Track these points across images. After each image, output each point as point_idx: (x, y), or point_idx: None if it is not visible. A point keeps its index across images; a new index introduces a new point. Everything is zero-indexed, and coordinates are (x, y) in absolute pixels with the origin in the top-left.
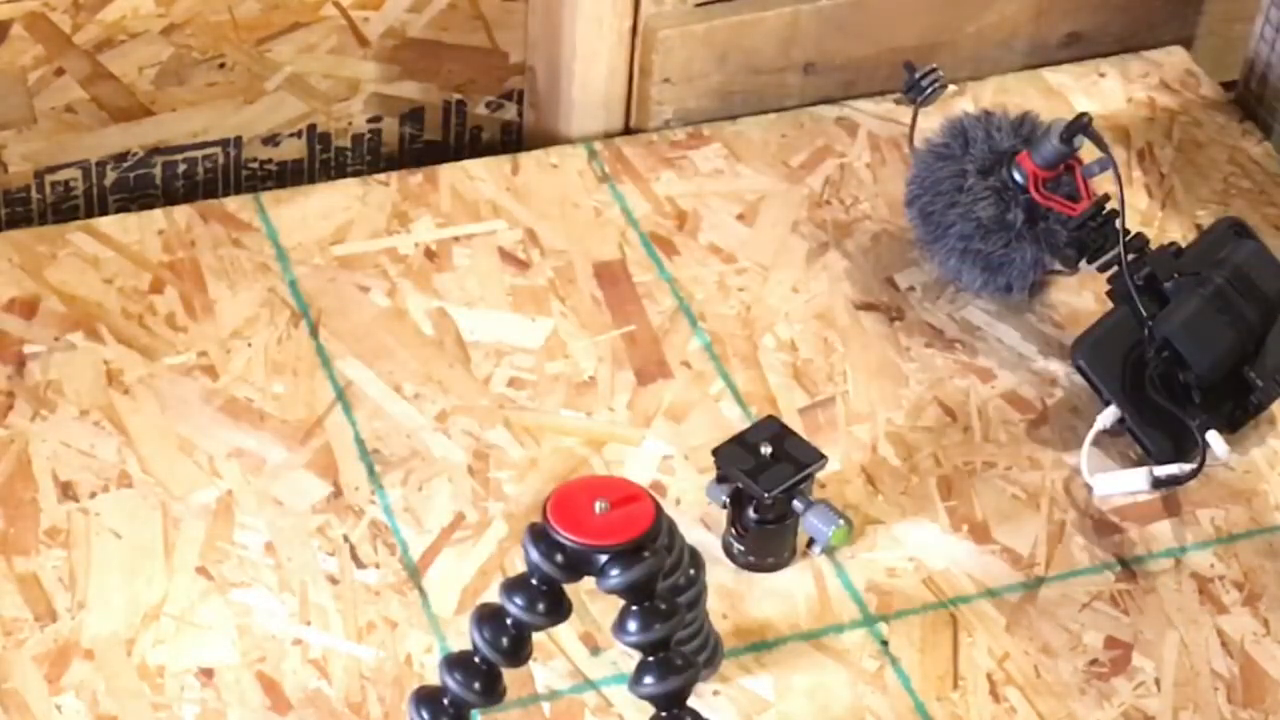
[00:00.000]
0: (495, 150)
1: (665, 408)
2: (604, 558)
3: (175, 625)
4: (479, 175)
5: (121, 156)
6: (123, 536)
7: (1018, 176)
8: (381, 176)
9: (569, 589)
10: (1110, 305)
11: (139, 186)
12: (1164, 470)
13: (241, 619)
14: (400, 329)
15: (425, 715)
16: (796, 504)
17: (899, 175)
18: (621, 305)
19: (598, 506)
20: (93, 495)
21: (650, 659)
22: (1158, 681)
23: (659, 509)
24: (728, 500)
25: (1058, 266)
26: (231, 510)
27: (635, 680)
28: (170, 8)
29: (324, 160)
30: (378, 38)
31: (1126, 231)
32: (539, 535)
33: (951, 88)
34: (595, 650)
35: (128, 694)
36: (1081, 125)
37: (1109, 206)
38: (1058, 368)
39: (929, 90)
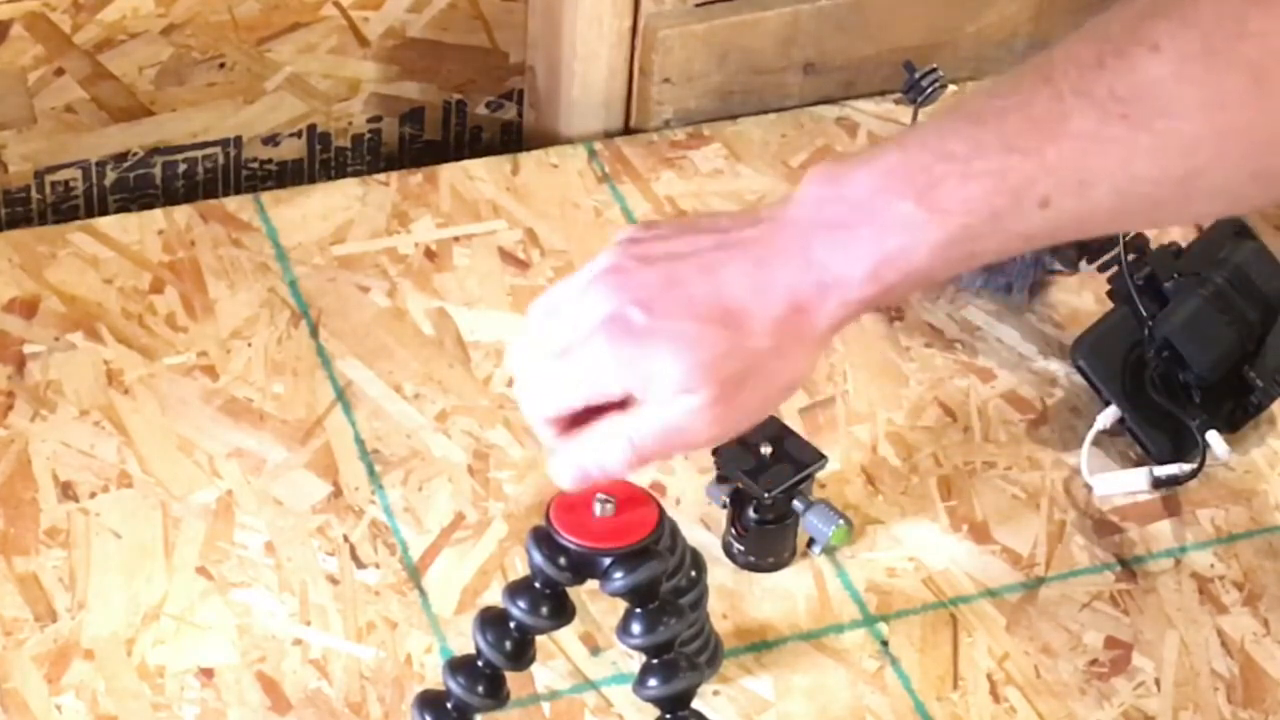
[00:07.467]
0: (495, 150)
1: None
2: (608, 560)
3: (175, 625)
4: (479, 175)
5: (121, 156)
6: (123, 536)
7: None
8: (381, 176)
9: (571, 591)
10: (1110, 305)
11: (139, 186)
12: (1164, 470)
13: (241, 619)
14: (400, 329)
15: (429, 719)
16: (796, 504)
17: None
18: None
19: (600, 509)
20: (93, 495)
21: (654, 661)
22: (1158, 681)
23: (662, 511)
24: (728, 500)
25: (1058, 266)
26: (231, 510)
27: (639, 683)
28: (170, 8)
29: (324, 160)
30: (378, 38)
31: (1126, 232)
32: (542, 539)
33: (951, 88)
34: (595, 650)
35: (128, 694)
36: None
37: None
38: (1058, 368)
39: (929, 90)
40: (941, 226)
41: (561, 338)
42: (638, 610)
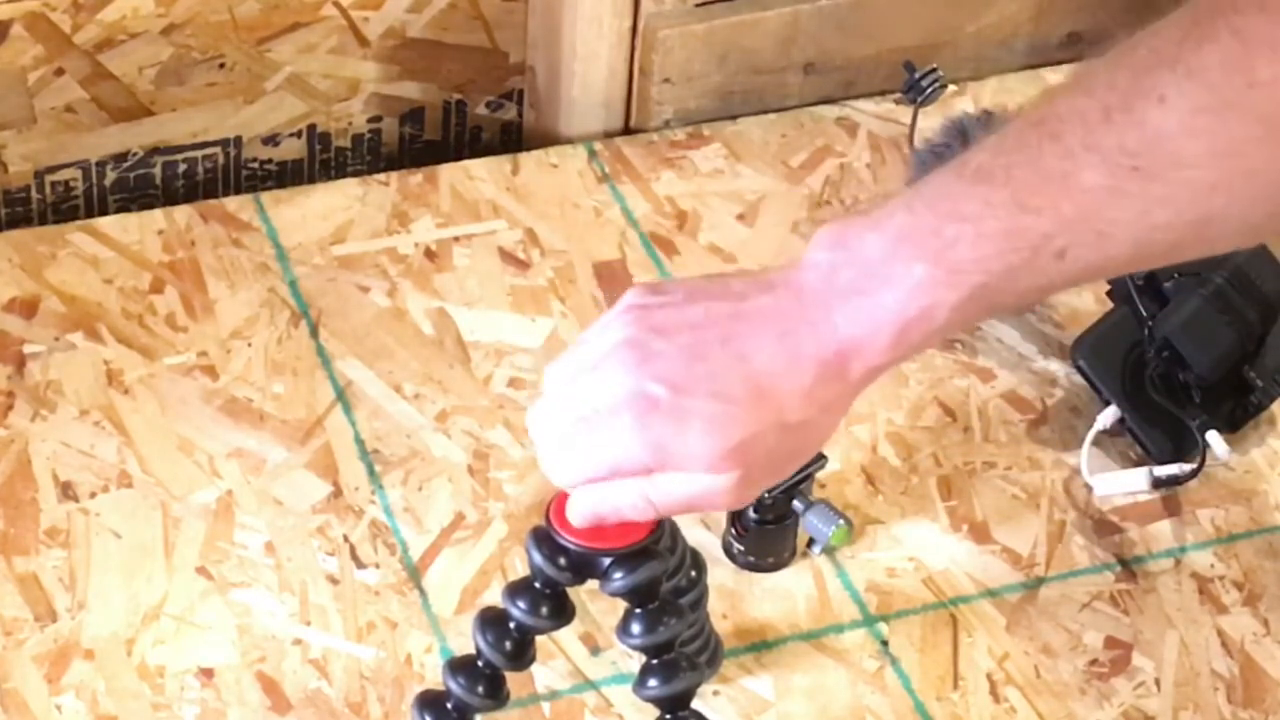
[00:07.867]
0: (495, 150)
1: None
2: (608, 561)
3: (175, 625)
4: (479, 175)
5: (121, 156)
6: (123, 536)
7: None
8: (381, 176)
9: (571, 591)
10: (1110, 305)
11: (139, 186)
12: (1164, 470)
13: (241, 619)
14: (400, 329)
15: (429, 719)
16: (796, 504)
17: (899, 175)
18: None
19: None
20: (93, 495)
21: (654, 661)
22: (1158, 681)
23: None
24: None
25: None
26: (231, 510)
27: (639, 683)
28: (170, 8)
29: (324, 160)
30: (378, 38)
31: None
32: (542, 539)
33: (951, 88)
34: (595, 650)
35: (128, 694)
36: None
37: None
38: (1058, 368)
39: (929, 90)
40: (959, 287)
41: (581, 407)
42: (638, 610)
